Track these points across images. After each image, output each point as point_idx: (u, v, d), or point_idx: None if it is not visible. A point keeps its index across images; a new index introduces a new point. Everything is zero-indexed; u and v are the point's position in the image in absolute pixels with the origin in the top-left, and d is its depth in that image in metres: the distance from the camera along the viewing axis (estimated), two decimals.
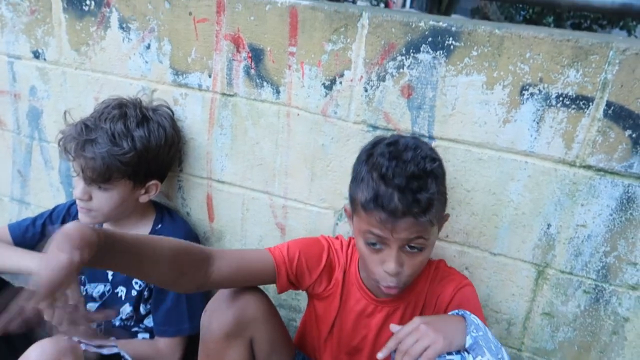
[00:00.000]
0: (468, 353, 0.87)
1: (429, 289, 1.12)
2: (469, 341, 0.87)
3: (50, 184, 1.67)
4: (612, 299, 1.17)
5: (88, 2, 1.39)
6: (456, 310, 0.97)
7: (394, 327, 0.92)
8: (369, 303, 1.12)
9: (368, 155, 0.98)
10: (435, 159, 0.97)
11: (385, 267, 0.96)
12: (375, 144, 1.00)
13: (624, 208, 1.10)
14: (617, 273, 1.15)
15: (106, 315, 0.91)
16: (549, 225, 1.16)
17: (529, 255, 1.20)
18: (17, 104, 1.61)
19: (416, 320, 0.90)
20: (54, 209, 1.44)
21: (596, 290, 1.18)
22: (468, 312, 0.94)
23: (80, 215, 1.30)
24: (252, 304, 1.07)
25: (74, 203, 1.44)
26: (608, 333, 1.20)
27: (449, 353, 0.87)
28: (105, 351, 1.14)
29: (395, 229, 0.91)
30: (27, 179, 1.71)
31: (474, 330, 0.89)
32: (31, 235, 1.39)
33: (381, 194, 0.91)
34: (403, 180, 0.90)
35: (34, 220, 1.41)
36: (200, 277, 0.98)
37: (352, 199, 1.01)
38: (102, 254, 0.78)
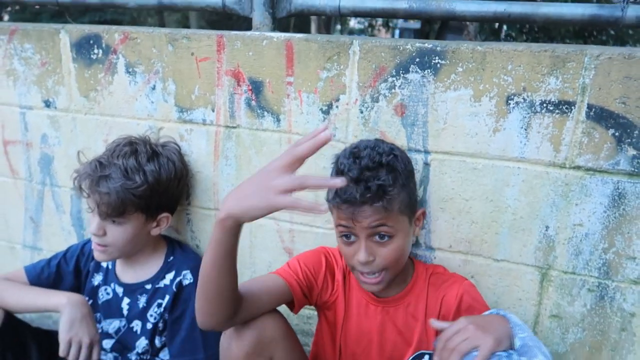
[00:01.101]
0: (517, 353, 0.89)
1: (430, 291, 1.16)
2: (517, 343, 0.90)
3: (62, 227, 1.72)
4: (616, 295, 1.20)
5: (96, 51, 1.49)
6: (494, 310, 1.01)
7: (435, 322, 0.98)
8: (369, 303, 1.16)
9: (336, 160, 1.12)
10: (392, 154, 1.07)
11: (357, 257, 1.05)
12: (343, 150, 1.13)
13: (616, 204, 1.15)
14: (618, 269, 1.19)
15: None
16: (547, 227, 1.21)
17: (531, 258, 1.24)
18: (29, 152, 1.68)
19: (462, 320, 0.94)
20: (67, 250, 1.49)
21: (600, 288, 1.21)
22: (509, 313, 0.97)
23: (95, 253, 1.34)
24: (270, 324, 1.10)
25: (87, 242, 1.48)
26: (617, 330, 1.22)
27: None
28: None
29: (357, 218, 1.02)
30: (39, 224, 1.75)
31: (520, 332, 0.92)
32: (47, 275, 1.42)
33: (342, 188, 1.00)
34: (357, 171, 1.02)
35: (49, 261, 1.45)
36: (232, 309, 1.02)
37: (327, 200, 1.10)
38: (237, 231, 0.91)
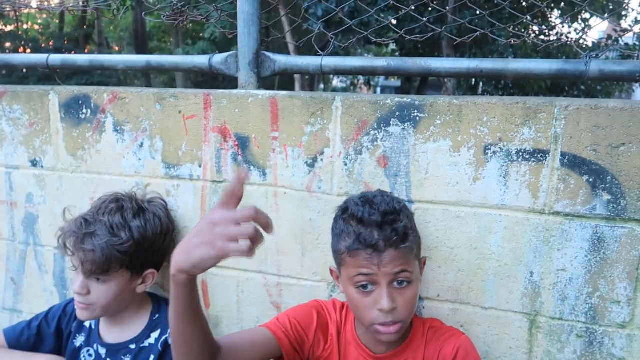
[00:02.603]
0: None
1: (427, 346, 1.15)
2: None
3: (44, 288, 1.68)
4: (604, 340, 1.21)
5: (85, 111, 1.52)
6: None
7: None
8: (366, 359, 1.13)
9: (343, 211, 1.11)
10: (400, 202, 1.11)
11: (379, 306, 1.01)
12: (346, 202, 1.14)
13: (596, 248, 1.18)
14: (604, 313, 1.20)
15: None
16: (531, 273, 1.23)
17: (519, 305, 1.25)
18: (12, 212, 1.67)
19: None
20: (49, 310, 1.45)
21: (588, 333, 1.21)
22: None
23: (78, 312, 1.31)
24: None
25: (69, 302, 1.45)
26: None
27: None
28: None
29: (382, 263, 1.01)
30: (20, 285, 1.72)
31: None
32: (27, 338, 1.38)
33: (363, 234, 1.02)
34: (379, 216, 1.03)
35: (30, 322, 1.41)
36: None
37: (337, 254, 1.10)
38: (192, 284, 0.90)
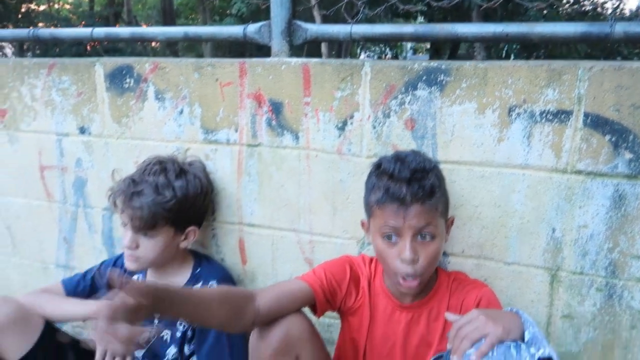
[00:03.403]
0: (525, 344, 0.95)
1: (451, 296, 1.22)
2: (527, 336, 0.96)
3: (94, 247, 1.82)
4: (624, 293, 1.26)
5: (128, 80, 1.62)
6: (509, 308, 1.07)
7: (449, 315, 1.06)
8: (394, 309, 1.22)
9: (376, 167, 1.18)
10: (432, 162, 1.17)
11: (402, 257, 1.09)
12: (380, 159, 1.20)
13: (617, 205, 1.22)
14: (624, 268, 1.25)
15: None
16: (553, 230, 1.28)
17: (540, 260, 1.31)
18: (63, 176, 1.81)
19: (474, 311, 1.01)
20: (101, 264, 1.58)
21: (608, 287, 1.27)
22: (521, 311, 1.04)
23: (127, 262, 1.43)
24: (297, 324, 1.16)
25: (119, 257, 1.58)
26: (627, 328, 1.27)
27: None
28: None
29: (407, 216, 1.08)
30: (72, 244, 1.86)
31: (531, 327, 0.98)
32: (82, 288, 1.52)
33: (392, 189, 1.09)
34: (408, 173, 1.09)
35: (85, 274, 1.55)
36: (252, 312, 1.10)
37: (367, 206, 1.18)
38: (163, 304, 0.95)
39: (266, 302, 1.13)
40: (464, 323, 0.98)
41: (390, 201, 1.09)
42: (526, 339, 0.96)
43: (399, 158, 1.14)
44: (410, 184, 1.09)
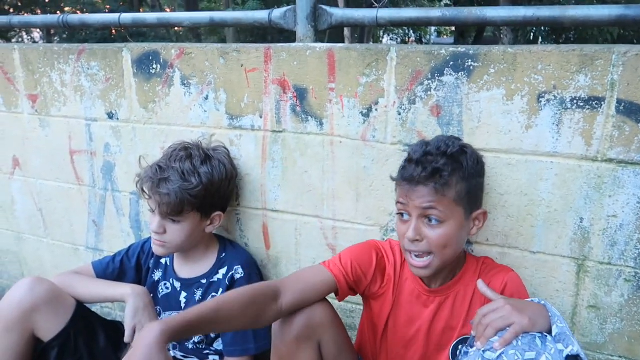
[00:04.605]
0: (553, 339, 0.94)
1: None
2: (555, 330, 0.95)
3: (122, 230, 1.87)
4: None
5: (155, 66, 1.64)
6: (536, 299, 1.06)
7: (480, 283, 1.10)
8: (422, 293, 1.22)
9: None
10: (460, 147, 1.14)
11: (407, 234, 1.12)
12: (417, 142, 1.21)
13: None
14: None
15: None
16: (581, 219, 1.26)
17: (567, 250, 1.29)
18: (92, 160, 1.85)
19: (501, 300, 1.01)
20: (129, 247, 1.62)
21: (637, 278, 1.24)
22: (549, 304, 1.03)
23: (154, 247, 1.47)
24: (319, 310, 1.18)
25: (146, 241, 1.62)
26: None
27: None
28: None
29: (412, 196, 1.11)
30: (101, 227, 1.91)
31: (559, 322, 0.97)
32: (112, 270, 1.56)
33: (406, 168, 1.13)
34: (419, 154, 1.12)
35: (114, 257, 1.59)
36: (275, 311, 1.12)
37: (395, 185, 1.20)
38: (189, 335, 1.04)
39: (290, 299, 1.14)
40: (490, 311, 0.98)
41: (402, 180, 1.14)
42: (554, 334, 0.95)
43: (425, 142, 1.17)
44: (418, 165, 1.11)
